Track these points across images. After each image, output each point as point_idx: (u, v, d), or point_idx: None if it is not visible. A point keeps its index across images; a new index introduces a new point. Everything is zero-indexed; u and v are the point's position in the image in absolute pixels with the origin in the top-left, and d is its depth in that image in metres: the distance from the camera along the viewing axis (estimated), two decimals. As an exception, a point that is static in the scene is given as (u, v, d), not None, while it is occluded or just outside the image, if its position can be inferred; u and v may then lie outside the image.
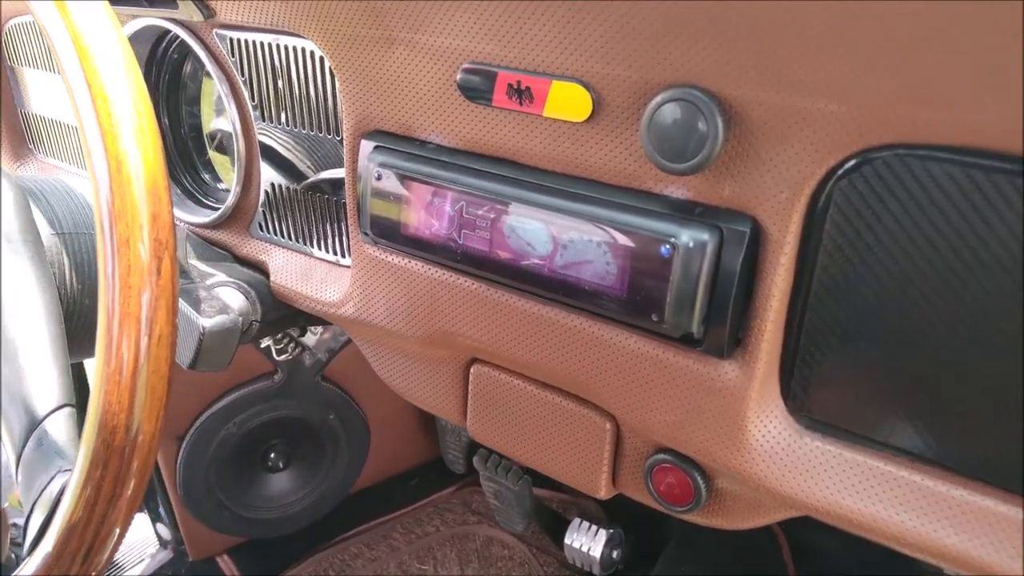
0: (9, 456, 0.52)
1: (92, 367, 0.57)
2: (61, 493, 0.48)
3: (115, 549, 0.49)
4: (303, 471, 1.38)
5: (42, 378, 0.52)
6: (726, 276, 0.44)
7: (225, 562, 1.39)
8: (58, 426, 0.51)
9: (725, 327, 0.45)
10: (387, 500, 1.50)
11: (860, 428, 0.45)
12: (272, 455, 1.35)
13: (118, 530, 0.48)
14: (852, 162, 0.39)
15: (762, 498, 0.51)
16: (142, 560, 1.40)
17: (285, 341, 1.18)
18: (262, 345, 1.17)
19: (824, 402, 0.46)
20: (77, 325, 0.61)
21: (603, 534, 1.19)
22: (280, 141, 0.68)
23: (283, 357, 1.18)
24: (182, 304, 0.57)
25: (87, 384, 0.86)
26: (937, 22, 0.34)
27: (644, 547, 1.30)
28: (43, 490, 0.49)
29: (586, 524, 1.21)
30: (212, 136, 0.78)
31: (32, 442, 0.51)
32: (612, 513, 1.44)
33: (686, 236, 0.43)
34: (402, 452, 1.51)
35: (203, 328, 0.55)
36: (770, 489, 0.48)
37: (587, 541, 1.20)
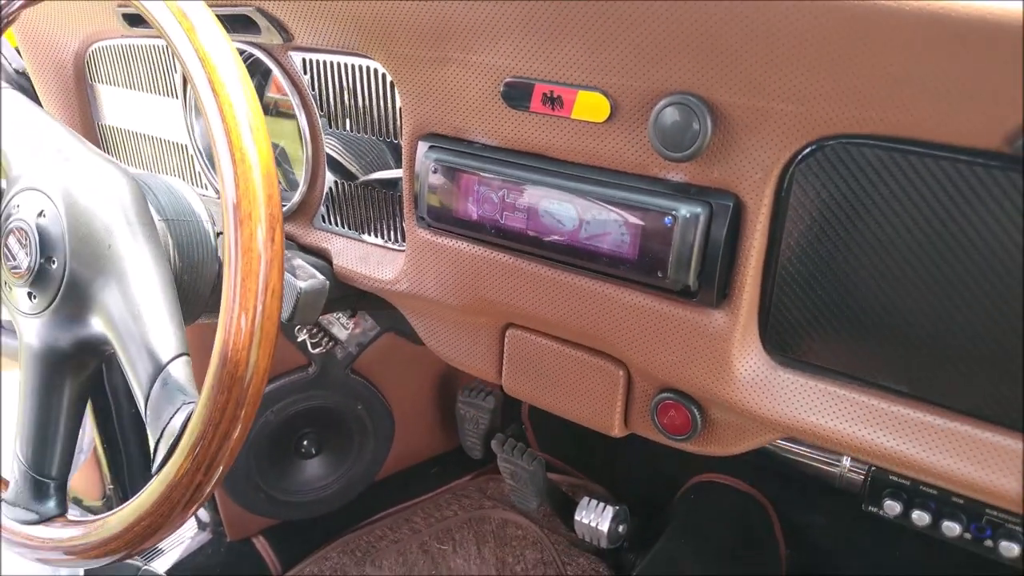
0: (138, 397, 0.63)
1: (189, 332, 0.69)
2: (187, 420, 0.60)
3: (228, 467, 0.61)
4: (333, 458, 1.48)
5: (163, 332, 0.64)
6: (715, 241, 0.56)
7: (261, 543, 1.48)
8: (179, 370, 0.63)
9: (714, 281, 0.57)
10: (409, 487, 1.60)
11: (823, 361, 0.57)
12: (305, 442, 1.44)
13: (231, 453, 0.60)
14: (808, 149, 0.52)
15: (747, 424, 0.63)
16: (182, 542, 1.50)
17: (319, 336, 1.29)
18: (299, 340, 1.28)
19: (794, 342, 0.58)
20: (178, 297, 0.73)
21: (610, 510, 1.30)
22: (335, 149, 0.81)
23: (317, 351, 1.28)
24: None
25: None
26: (857, 42, 0.47)
27: (647, 528, 1.41)
28: (169, 420, 0.61)
29: (594, 502, 1.32)
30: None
31: (158, 384, 0.62)
32: (618, 496, 1.55)
33: (684, 210, 0.56)
34: (423, 442, 1.62)
35: (300, 288, 0.67)
36: (753, 415, 0.60)
37: (595, 517, 1.31)
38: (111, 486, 1.46)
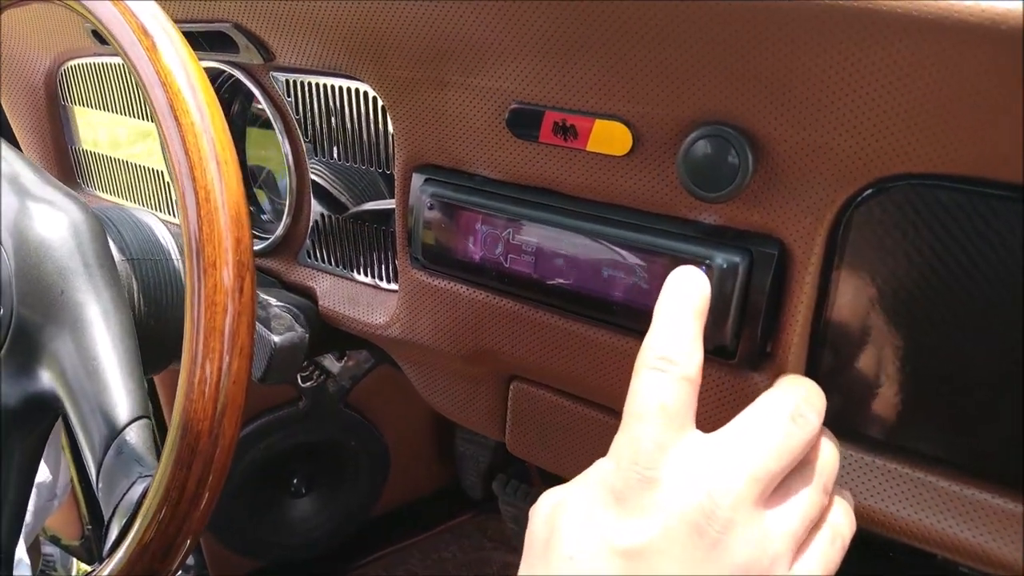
0: (89, 465, 0.55)
1: (159, 380, 0.62)
2: (143, 496, 0.52)
3: (191, 549, 0.53)
4: (325, 496, 1.41)
5: (120, 391, 0.56)
6: (756, 293, 0.48)
7: (247, 587, 1.41)
8: (136, 436, 0.55)
9: (755, 340, 0.49)
10: (405, 526, 1.53)
11: (879, 433, 0.49)
12: (295, 480, 1.38)
13: (194, 535, 0.52)
14: (868, 191, 0.44)
15: (788, 501, 0.55)
16: (164, 586, 1.42)
17: (310, 369, 1.22)
18: (288, 372, 1.21)
19: (846, 411, 0.50)
20: (142, 345, 0.65)
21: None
22: (323, 176, 0.73)
23: (308, 384, 1.22)
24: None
25: (157, 399, 0.90)
26: (931, 71, 0.39)
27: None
28: (124, 494, 0.53)
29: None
30: (255, 174, 0.84)
31: (112, 451, 0.55)
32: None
33: (720, 258, 0.48)
34: (420, 479, 1.54)
35: (274, 343, 0.59)
36: (796, 492, 0.52)
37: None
38: (89, 526, 1.39)
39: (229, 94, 0.80)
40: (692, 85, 0.47)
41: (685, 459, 0.38)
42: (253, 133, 0.81)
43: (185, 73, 0.52)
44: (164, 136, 0.51)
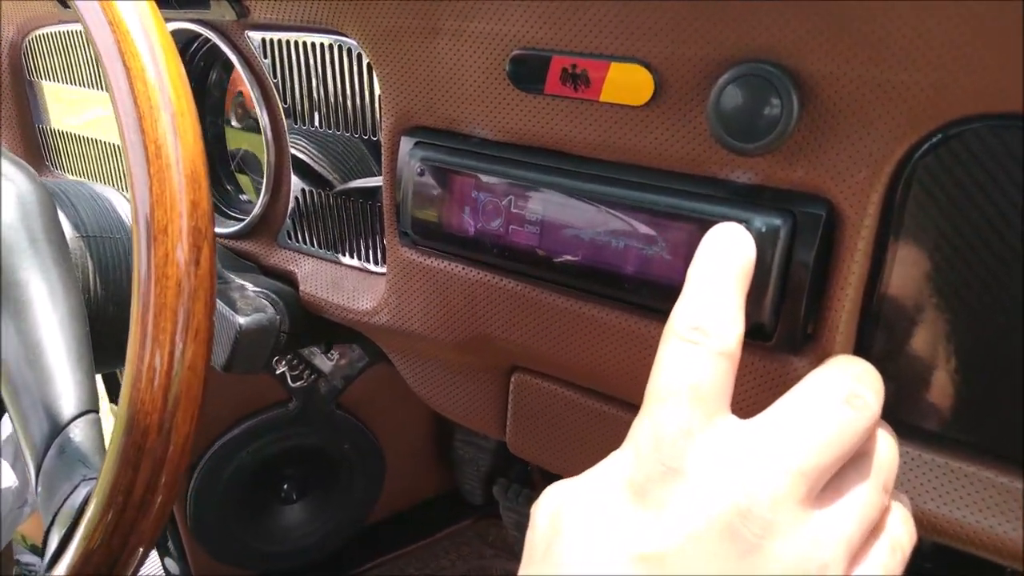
0: (29, 466, 0.49)
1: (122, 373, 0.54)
2: (86, 501, 0.45)
3: (140, 566, 0.46)
4: (317, 502, 1.34)
5: (66, 382, 0.49)
6: (800, 263, 0.41)
7: (235, 598, 1.34)
8: (82, 433, 0.48)
9: (798, 319, 0.42)
10: (402, 533, 1.47)
11: (940, 428, 0.42)
12: (286, 486, 1.31)
13: (144, 545, 0.45)
14: (937, 136, 0.37)
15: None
16: (146, 599, 1.36)
17: (301, 368, 1.16)
18: (277, 372, 1.15)
19: (902, 400, 0.43)
20: (100, 332, 0.58)
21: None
22: (308, 153, 0.66)
23: (298, 384, 1.16)
24: (218, 302, 0.54)
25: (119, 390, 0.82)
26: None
27: None
28: (65, 499, 0.46)
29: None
30: (233, 155, 0.77)
31: (54, 450, 0.48)
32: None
33: (758, 222, 0.41)
34: (417, 483, 1.48)
35: (240, 326, 0.52)
36: (842, 496, 0.44)
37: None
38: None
39: (205, 61, 0.73)
40: (727, 18, 0.40)
41: (718, 448, 0.31)
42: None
43: (137, 13, 0.45)
44: (110, 83, 0.44)
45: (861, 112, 0.38)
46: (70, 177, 0.92)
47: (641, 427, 0.33)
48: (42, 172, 0.93)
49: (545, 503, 0.34)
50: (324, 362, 1.19)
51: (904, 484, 0.43)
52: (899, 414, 0.43)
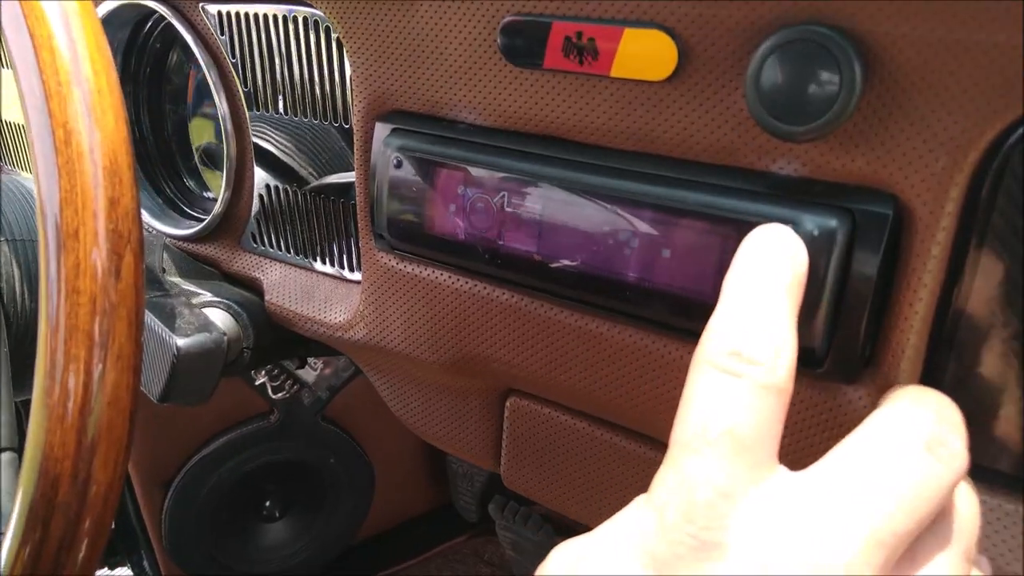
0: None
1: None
2: (-8, 561, 0.37)
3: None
4: (302, 520, 1.29)
5: (-25, 415, 0.42)
6: (859, 274, 0.33)
7: (215, 622, 1.28)
8: (-7, 475, 0.40)
9: (857, 342, 0.34)
10: (393, 550, 1.42)
11: (1019, 472, 0.35)
12: (268, 503, 1.26)
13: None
14: (1040, 116, 0.29)
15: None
16: (122, 625, 1.30)
17: (282, 378, 1.10)
18: (257, 383, 1.08)
19: (979, 439, 0.35)
20: (28, 352, 0.51)
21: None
22: (276, 143, 0.58)
23: (280, 396, 1.11)
24: (152, 320, 0.46)
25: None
26: None
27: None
28: (-32, 559, 0.39)
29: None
30: (198, 149, 0.69)
31: (-42, 496, 0.40)
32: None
33: (809, 223, 0.33)
34: (409, 498, 1.43)
35: (177, 348, 0.44)
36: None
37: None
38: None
39: (162, 41, 0.65)
40: (769, -33, 0.32)
41: (767, 514, 0.25)
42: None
43: (49, -28, 0.37)
44: (11, 56, 0.36)
45: (940, 85, 0.31)
46: (25, 175, 0.85)
47: (665, 484, 0.26)
48: (-7, 168, 0.85)
49: (551, 566, 0.27)
50: (307, 372, 1.14)
51: (981, 540, 0.36)
52: (974, 456, 0.36)
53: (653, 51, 0.36)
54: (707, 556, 0.24)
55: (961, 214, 0.32)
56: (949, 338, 0.35)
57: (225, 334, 0.49)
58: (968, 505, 0.29)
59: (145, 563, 1.24)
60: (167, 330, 0.45)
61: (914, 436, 0.26)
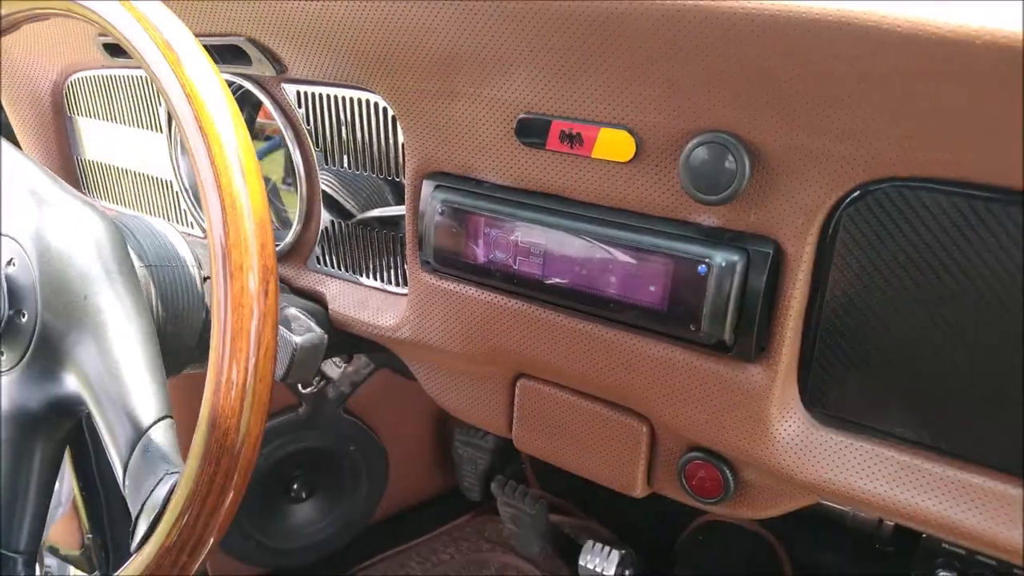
0: (116, 465, 0.57)
1: (172, 384, 0.64)
2: (170, 492, 0.54)
3: (216, 545, 0.55)
4: (325, 501, 1.42)
5: (144, 392, 0.58)
6: (752, 291, 0.51)
7: (248, 593, 1.42)
8: (161, 435, 0.57)
9: (752, 334, 0.52)
10: (404, 530, 1.54)
11: (868, 420, 0.52)
12: (295, 486, 1.38)
13: (220, 528, 0.54)
14: (856, 193, 0.47)
15: (783, 487, 0.58)
16: (166, 593, 1.42)
17: (311, 374, 1.23)
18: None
19: (837, 399, 0.53)
20: (161, 349, 0.67)
21: (615, 554, 1.24)
22: (330, 184, 0.75)
23: (308, 390, 1.22)
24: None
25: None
26: (924, 85, 0.42)
27: (652, 571, 1.35)
28: (151, 492, 0.55)
29: (599, 546, 1.26)
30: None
31: (138, 451, 0.57)
32: (621, 536, 1.50)
33: (719, 257, 0.51)
34: (419, 483, 1.56)
35: (296, 344, 0.61)
36: (791, 478, 0.55)
37: (600, 562, 1.25)
38: (90, 535, 1.40)
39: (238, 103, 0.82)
40: (696, 97, 0.50)
41: None
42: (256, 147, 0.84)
43: (209, 87, 0.54)
44: (190, 146, 0.53)
45: (797, 172, 0.49)
46: (106, 204, 1.01)
47: None
48: (80, 200, 1.01)
49: None
50: (333, 368, 1.26)
51: (834, 464, 0.53)
52: (834, 410, 0.53)
53: (620, 143, 0.54)
54: None
55: (817, 252, 0.50)
56: (814, 329, 0.52)
57: (326, 334, 0.67)
58: None
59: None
60: (287, 331, 0.63)
61: None
